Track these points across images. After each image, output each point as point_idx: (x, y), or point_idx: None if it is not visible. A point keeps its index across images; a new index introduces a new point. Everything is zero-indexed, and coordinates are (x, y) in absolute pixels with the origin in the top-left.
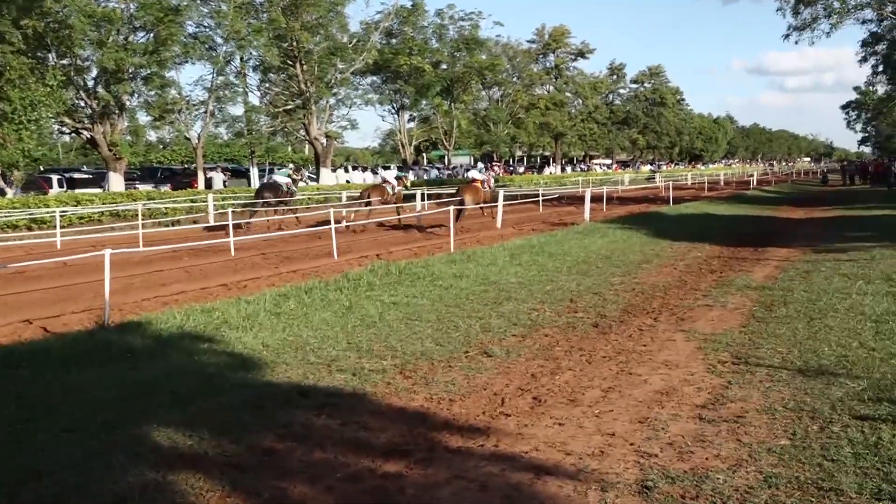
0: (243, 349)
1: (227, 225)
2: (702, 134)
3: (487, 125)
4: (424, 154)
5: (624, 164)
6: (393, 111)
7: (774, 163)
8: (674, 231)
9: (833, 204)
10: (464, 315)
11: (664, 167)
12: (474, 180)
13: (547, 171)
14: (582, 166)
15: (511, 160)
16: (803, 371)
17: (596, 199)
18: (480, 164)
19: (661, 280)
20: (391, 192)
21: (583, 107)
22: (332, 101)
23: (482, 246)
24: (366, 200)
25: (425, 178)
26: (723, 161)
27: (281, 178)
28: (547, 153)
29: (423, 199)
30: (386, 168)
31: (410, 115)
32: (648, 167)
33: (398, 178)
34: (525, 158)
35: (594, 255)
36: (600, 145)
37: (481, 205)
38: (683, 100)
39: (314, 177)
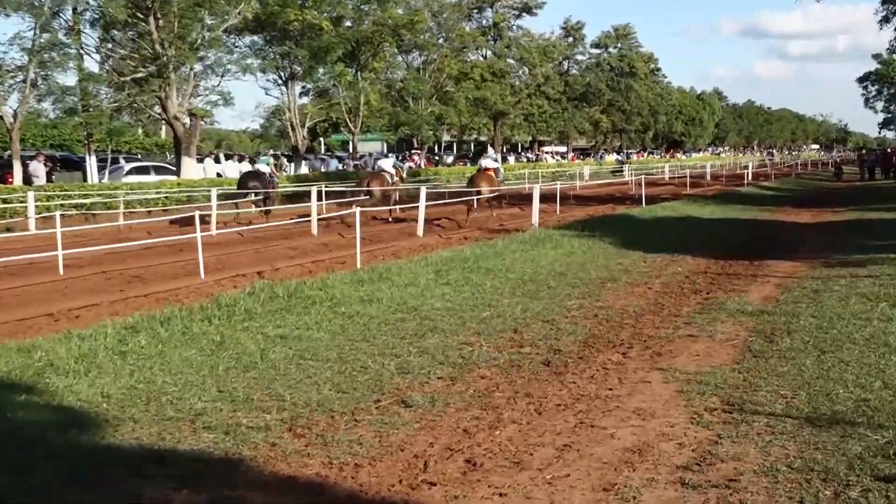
0: (76, 402)
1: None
2: (683, 114)
3: (405, 101)
4: (322, 139)
5: (583, 153)
6: (280, 82)
7: (774, 151)
8: (647, 239)
9: (848, 204)
10: (374, 352)
11: (634, 157)
12: (487, 169)
13: (484, 162)
14: (529, 155)
15: (437, 148)
16: (812, 420)
17: (547, 197)
18: (391, 157)
19: (631, 303)
20: (390, 182)
21: (530, 78)
22: (197, 67)
23: (398, 260)
24: (366, 190)
25: (323, 169)
26: (709, 149)
27: (263, 166)
28: (483, 138)
29: (318, 199)
30: (386, 156)
31: (304, 88)
32: (615, 157)
33: (396, 166)
34: (455, 146)
35: (545, 272)
36: (552, 128)
37: (496, 194)
38: (659, 70)
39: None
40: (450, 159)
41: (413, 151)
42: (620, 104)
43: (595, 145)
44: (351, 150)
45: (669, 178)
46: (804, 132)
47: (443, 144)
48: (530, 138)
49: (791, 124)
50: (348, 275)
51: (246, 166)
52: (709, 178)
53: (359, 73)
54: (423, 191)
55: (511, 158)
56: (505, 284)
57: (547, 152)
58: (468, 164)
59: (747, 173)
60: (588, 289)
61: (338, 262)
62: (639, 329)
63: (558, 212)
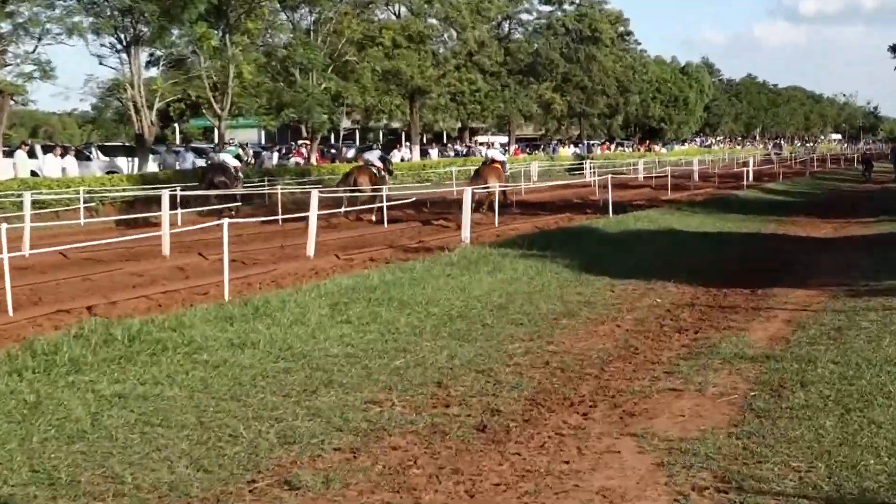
0: None
1: None
2: (661, 92)
3: (290, 75)
4: (177, 125)
5: (531, 145)
6: (119, 48)
7: (783, 143)
8: (616, 261)
9: (880, 213)
10: (248, 415)
11: (598, 150)
12: (495, 161)
13: (397, 155)
14: (458, 148)
15: (333, 137)
16: (834, 501)
17: (483, 204)
18: (376, 149)
19: (594, 346)
20: (377, 176)
21: (458, 44)
22: (3, 27)
23: (281, 289)
24: (350, 188)
25: (177, 166)
26: (697, 140)
27: (229, 157)
28: (396, 124)
29: (172, 207)
30: (370, 148)
31: (151, 57)
32: (571, 150)
33: (383, 159)
34: (357, 135)
35: (479, 305)
36: (489, 112)
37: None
38: (630, 34)
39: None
40: (351, 152)
41: (300, 142)
42: (579, 80)
43: (546, 134)
44: (217, 141)
45: (645, 178)
46: (821, 117)
47: (341, 133)
48: (459, 125)
49: (804, 107)
50: (213, 310)
51: (71, 162)
52: (696, 178)
53: (227, 36)
54: (315, 196)
55: (433, 152)
56: (425, 322)
57: (481, 144)
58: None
59: (747, 172)
60: (537, 327)
61: (198, 292)
62: (604, 381)
63: (497, 223)
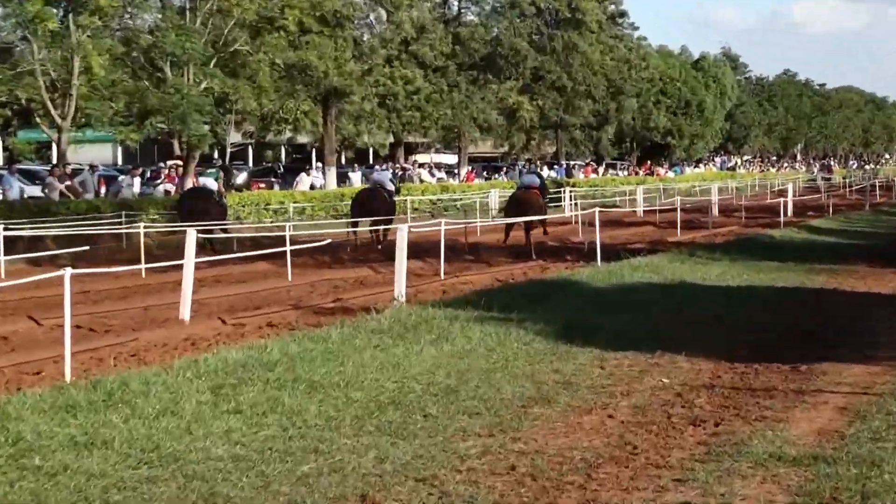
0: None
1: None
2: (668, 95)
3: (158, 70)
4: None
5: (490, 168)
6: None
7: (833, 164)
8: (606, 326)
9: None
10: None
11: (581, 174)
12: (532, 187)
13: (305, 182)
14: (385, 170)
15: (220, 156)
16: None
17: (423, 248)
18: (387, 169)
19: (578, 444)
20: (389, 202)
21: (389, 29)
22: None
23: (146, 366)
24: (368, 220)
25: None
26: (717, 160)
27: (210, 181)
28: (304, 139)
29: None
30: (382, 168)
31: None
32: (547, 173)
33: (392, 181)
34: (251, 153)
35: (419, 387)
36: (432, 121)
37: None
38: (625, 15)
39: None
40: (241, 177)
41: (171, 163)
42: (555, 77)
43: (510, 153)
44: (56, 161)
45: (645, 211)
46: (885, 129)
47: (228, 150)
48: (391, 139)
49: (861, 115)
50: (49, 395)
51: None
52: (715, 212)
53: (70, 16)
54: (192, 237)
55: (354, 176)
56: (344, 411)
57: (421, 165)
58: (278, 187)
59: (785, 204)
60: (499, 419)
61: (29, 371)
62: (592, 493)
63: (443, 273)
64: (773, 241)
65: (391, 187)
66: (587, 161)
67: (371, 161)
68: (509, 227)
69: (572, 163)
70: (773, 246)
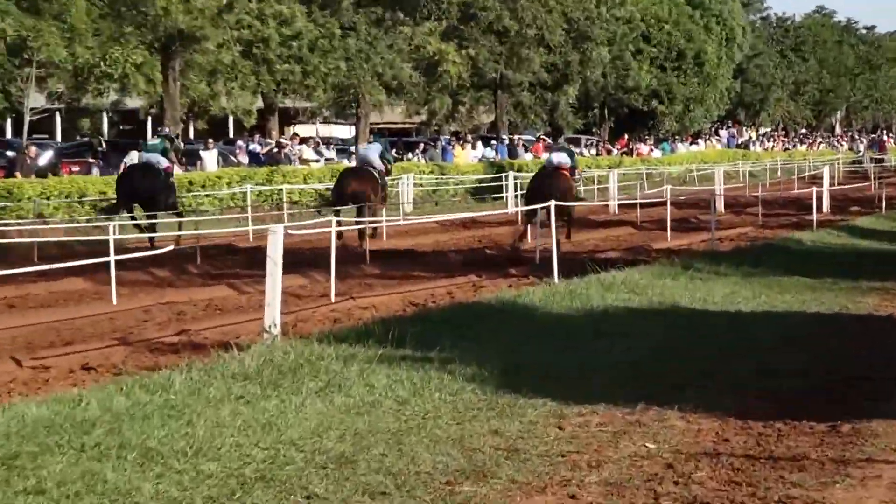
0: None
1: None
2: (652, 43)
3: None
4: None
5: (401, 144)
6: None
7: (886, 138)
8: (567, 369)
9: None
10: None
11: (530, 153)
12: (561, 167)
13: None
14: (255, 147)
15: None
16: None
17: (307, 257)
18: (377, 143)
19: None
20: (381, 189)
21: None
22: None
23: None
24: (353, 206)
25: None
26: (722, 134)
27: (154, 156)
28: (137, 103)
29: None
30: (370, 141)
31: None
32: (480, 152)
33: (383, 155)
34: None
35: (300, 456)
36: (318, 79)
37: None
38: None
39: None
40: (45, 157)
41: None
42: (493, 16)
43: (430, 123)
44: None
45: (622, 207)
46: None
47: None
48: (259, 104)
49: None
50: None
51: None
52: (721, 206)
53: None
54: None
55: (208, 156)
56: (194, 491)
57: (304, 141)
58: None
59: (819, 195)
60: (414, 500)
61: None
62: None
63: (334, 294)
64: (803, 248)
65: (381, 165)
66: (538, 135)
67: (231, 134)
68: (529, 216)
69: (517, 138)
70: (803, 255)
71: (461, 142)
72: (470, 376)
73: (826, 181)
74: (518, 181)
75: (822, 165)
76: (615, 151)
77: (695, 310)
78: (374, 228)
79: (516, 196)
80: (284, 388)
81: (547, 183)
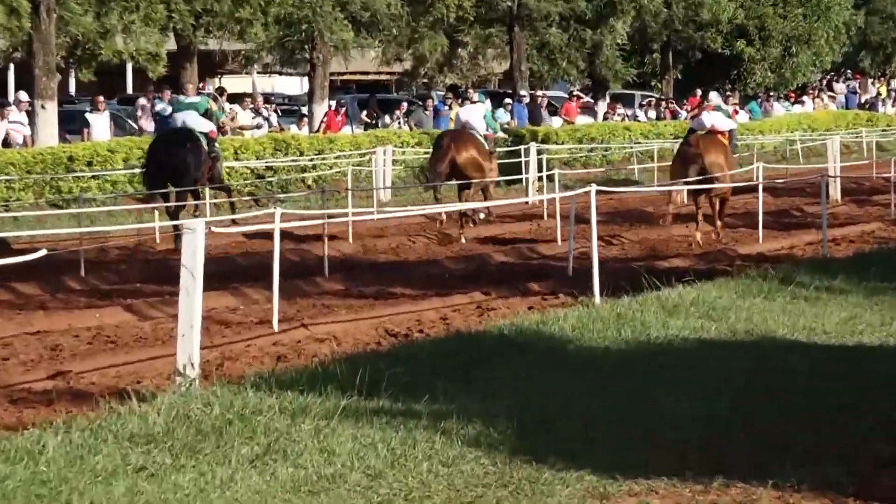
0: None
1: None
2: None
3: None
4: None
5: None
6: None
7: None
8: (611, 425)
9: None
10: None
11: (560, 115)
12: (715, 130)
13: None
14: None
15: None
16: None
17: (239, 266)
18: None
19: None
20: (487, 148)
21: None
22: None
23: None
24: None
25: None
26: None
27: (199, 119)
28: None
29: None
30: (470, 100)
31: None
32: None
33: (487, 122)
34: None
35: None
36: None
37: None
38: None
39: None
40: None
41: None
42: None
43: (415, 75)
44: None
45: (692, 194)
46: None
47: None
48: (170, 46)
49: None
50: None
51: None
52: (836, 194)
53: None
54: None
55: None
56: None
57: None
58: None
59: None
60: None
61: None
62: None
63: (277, 322)
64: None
65: (487, 130)
66: (572, 91)
67: (130, 89)
68: (696, 196)
69: (542, 94)
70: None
71: (461, 100)
72: (473, 438)
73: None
74: (543, 157)
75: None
76: (683, 114)
77: (797, 342)
78: (488, 210)
79: (540, 179)
80: (205, 456)
81: (701, 148)
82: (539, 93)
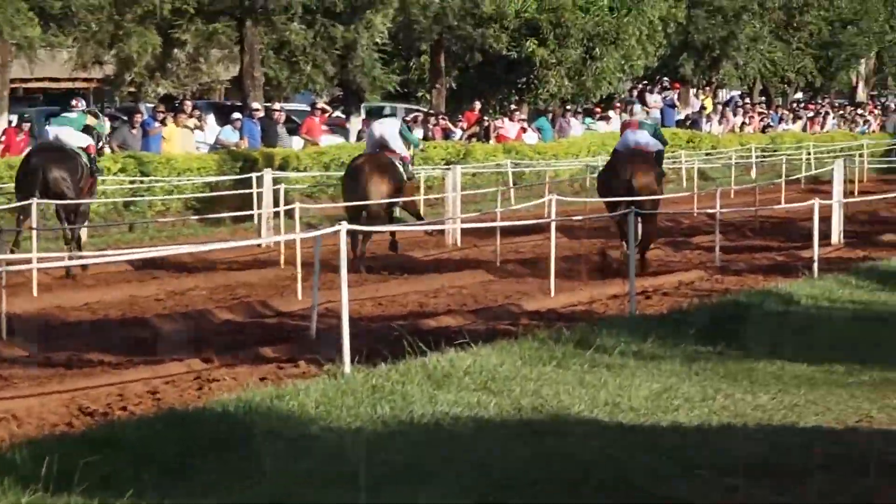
0: None
1: None
2: None
3: None
4: None
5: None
6: None
7: None
8: None
9: None
10: None
11: (297, 135)
12: (639, 146)
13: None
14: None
15: None
16: None
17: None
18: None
19: None
20: (405, 176)
21: None
22: None
23: None
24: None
25: None
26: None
27: (71, 133)
28: None
29: None
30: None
31: None
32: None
33: (404, 136)
34: None
35: None
36: None
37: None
38: None
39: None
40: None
41: None
42: None
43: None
44: None
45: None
46: None
47: None
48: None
49: None
50: None
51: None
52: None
53: None
54: None
55: None
56: None
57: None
58: None
59: (822, 214)
60: None
61: None
62: None
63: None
64: (794, 309)
65: (403, 150)
66: (314, 103)
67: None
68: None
69: (279, 108)
70: (794, 322)
71: (177, 114)
72: None
73: (838, 187)
74: (281, 186)
75: (831, 160)
76: (458, 133)
77: (596, 421)
78: (394, 239)
79: (276, 215)
80: None
81: (630, 170)
82: (276, 105)
